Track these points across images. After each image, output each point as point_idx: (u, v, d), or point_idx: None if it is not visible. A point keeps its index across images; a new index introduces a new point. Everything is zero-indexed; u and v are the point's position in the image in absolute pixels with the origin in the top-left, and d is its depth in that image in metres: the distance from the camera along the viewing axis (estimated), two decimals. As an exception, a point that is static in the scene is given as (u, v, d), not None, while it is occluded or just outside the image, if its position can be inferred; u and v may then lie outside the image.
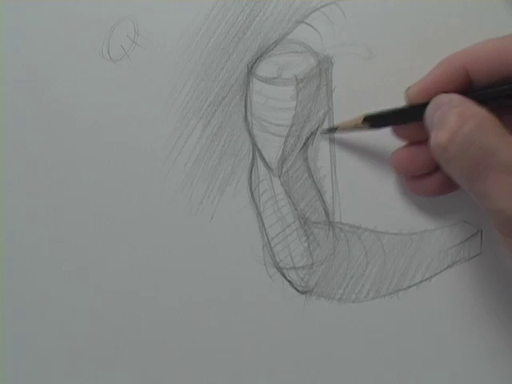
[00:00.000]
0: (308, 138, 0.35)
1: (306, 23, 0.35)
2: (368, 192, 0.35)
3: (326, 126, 0.35)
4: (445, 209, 0.35)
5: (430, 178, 0.33)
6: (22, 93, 0.37)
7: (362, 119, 0.33)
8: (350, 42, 0.35)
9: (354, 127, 0.33)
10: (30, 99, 0.36)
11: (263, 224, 0.35)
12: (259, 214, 0.35)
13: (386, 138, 0.34)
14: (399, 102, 0.34)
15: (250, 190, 0.35)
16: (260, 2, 0.35)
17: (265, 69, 0.35)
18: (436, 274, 0.35)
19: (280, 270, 0.35)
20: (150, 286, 0.36)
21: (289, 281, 0.35)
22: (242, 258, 0.35)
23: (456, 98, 0.29)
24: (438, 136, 0.28)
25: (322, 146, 0.35)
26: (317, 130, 0.35)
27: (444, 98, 0.30)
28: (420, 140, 0.32)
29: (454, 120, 0.28)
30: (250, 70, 0.35)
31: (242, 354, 0.35)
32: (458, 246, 0.35)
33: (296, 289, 0.35)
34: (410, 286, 0.35)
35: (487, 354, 0.34)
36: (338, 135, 0.35)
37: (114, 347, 0.36)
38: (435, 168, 0.32)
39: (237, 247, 0.35)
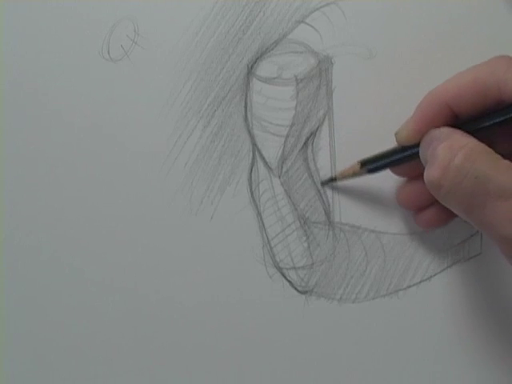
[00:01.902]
0: (308, 138, 0.35)
1: (306, 23, 0.35)
2: (368, 192, 0.35)
3: (325, 125, 0.35)
4: (445, 209, 0.35)
5: (434, 210, 0.33)
6: (22, 93, 0.37)
7: (359, 166, 0.33)
8: (350, 42, 0.35)
9: (353, 175, 0.34)
10: (29, 99, 0.36)
11: (263, 224, 0.35)
12: (259, 214, 0.35)
13: (386, 138, 0.34)
14: (399, 102, 0.34)
15: (250, 190, 0.35)
16: (260, 1, 0.35)
17: (265, 69, 0.35)
18: (436, 274, 0.35)
19: (280, 269, 0.35)
20: (150, 285, 0.36)
21: (289, 281, 0.35)
22: (242, 258, 0.35)
23: (445, 130, 0.30)
24: (431, 172, 0.29)
25: (322, 146, 0.35)
26: (317, 130, 0.35)
27: (434, 132, 0.30)
28: (419, 174, 0.32)
29: (444, 154, 0.28)
30: (250, 70, 0.35)
31: (242, 354, 0.35)
32: (457, 246, 0.35)
33: (296, 289, 0.35)
34: (409, 286, 0.35)
35: (487, 353, 0.34)
36: (338, 127, 0.35)
37: (113, 347, 0.36)
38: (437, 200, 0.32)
39: (237, 247, 0.35)
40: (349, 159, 0.35)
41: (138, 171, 0.36)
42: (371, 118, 0.35)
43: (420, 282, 0.35)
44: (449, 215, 0.32)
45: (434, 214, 0.33)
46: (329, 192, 0.35)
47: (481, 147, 0.28)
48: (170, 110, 0.36)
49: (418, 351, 0.35)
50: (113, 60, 0.36)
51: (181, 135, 0.36)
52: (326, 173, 0.35)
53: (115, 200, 0.36)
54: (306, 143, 0.35)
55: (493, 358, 0.34)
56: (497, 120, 0.30)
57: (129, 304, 0.36)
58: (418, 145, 0.31)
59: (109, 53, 0.36)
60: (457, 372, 0.34)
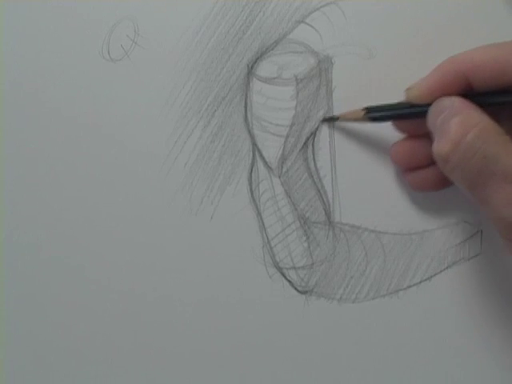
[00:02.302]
0: (308, 138, 0.35)
1: (306, 23, 0.35)
2: (368, 192, 0.35)
3: (325, 125, 0.35)
4: (445, 209, 0.35)
5: (428, 172, 0.33)
6: (22, 92, 0.37)
7: (363, 112, 0.33)
8: (350, 42, 0.35)
9: (355, 119, 0.33)
10: (30, 99, 0.36)
11: (263, 224, 0.35)
12: (259, 214, 0.35)
13: (386, 138, 0.34)
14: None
15: (250, 190, 0.35)
16: (260, 1, 0.35)
17: (265, 69, 0.35)
18: (436, 274, 0.35)
19: (280, 269, 0.35)
20: (150, 285, 0.36)
21: (289, 281, 0.35)
22: (242, 257, 0.35)
23: (458, 102, 0.30)
24: (440, 146, 0.29)
25: (322, 146, 0.35)
26: (317, 130, 0.35)
27: (446, 101, 0.30)
28: (419, 134, 0.32)
29: (456, 129, 0.28)
30: (250, 70, 0.35)
31: (242, 354, 0.35)
32: (457, 246, 0.35)
33: (296, 289, 0.35)
34: (409, 286, 0.35)
35: (487, 353, 0.34)
36: (338, 126, 0.35)
37: (113, 346, 0.36)
38: (433, 162, 0.32)
39: (237, 247, 0.35)
40: (349, 159, 0.35)
41: (138, 171, 0.36)
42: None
43: (420, 282, 0.35)
44: (444, 182, 0.32)
45: (429, 176, 0.33)
46: (329, 192, 0.35)
47: (493, 127, 0.28)
48: (169, 110, 0.36)
49: (417, 351, 0.35)
50: (113, 60, 0.36)
51: (181, 135, 0.36)
52: (326, 173, 0.35)
53: (115, 200, 0.36)
54: (306, 143, 0.35)
55: (493, 358, 0.34)
56: (510, 99, 0.30)
57: (129, 303, 0.36)
58: (426, 105, 0.31)
59: (109, 53, 0.36)
60: (457, 372, 0.34)
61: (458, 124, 0.28)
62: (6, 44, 0.37)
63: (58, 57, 0.36)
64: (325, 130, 0.35)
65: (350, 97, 0.35)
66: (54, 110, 0.36)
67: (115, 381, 0.36)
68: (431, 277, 0.35)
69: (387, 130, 0.34)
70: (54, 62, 0.36)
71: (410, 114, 0.32)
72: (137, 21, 0.36)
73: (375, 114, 0.33)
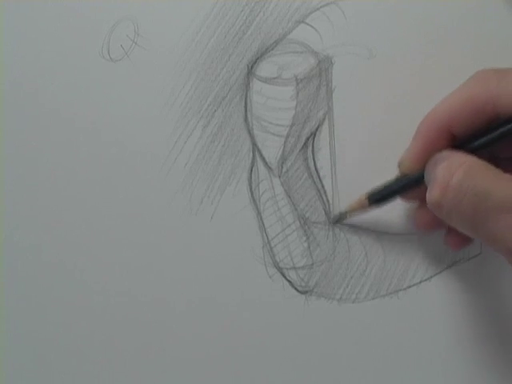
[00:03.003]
0: (308, 138, 0.35)
1: (306, 23, 0.35)
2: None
3: (325, 125, 0.35)
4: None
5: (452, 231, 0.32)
6: (22, 92, 0.37)
7: (366, 201, 0.33)
8: (350, 42, 0.35)
9: (362, 208, 0.33)
10: (29, 99, 0.36)
11: (263, 224, 0.35)
12: (259, 214, 0.35)
13: (386, 138, 0.34)
14: (399, 102, 0.34)
15: (250, 190, 0.35)
16: (260, 1, 0.35)
17: (265, 69, 0.35)
18: (436, 274, 0.35)
19: (280, 269, 0.35)
20: (150, 285, 0.36)
21: (289, 281, 0.35)
22: (242, 258, 0.35)
23: (446, 152, 0.30)
24: (431, 194, 0.29)
25: (322, 146, 0.35)
26: (317, 130, 0.35)
27: (436, 156, 0.30)
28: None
29: (442, 174, 0.28)
30: (250, 70, 0.35)
31: (242, 354, 0.35)
32: (458, 246, 0.35)
33: (296, 289, 0.35)
34: (409, 286, 0.35)
35: (487, 353, 0.34)
36: (338, 127, 0.35)
37: (113, 347, 0.36)
38: None
39: (237, 247, 0.35)
40: (349, 159, 0.35)
41: (138, 171, 0.36)
42: (371, 118, 0.35)
43: (420, 282, 0.35)
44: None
45: (455, 234, 0.32)
46: (329, 192, 0.35)
47: (479, 163, 0.28)
48: (169, 110, 0.36)
49: (417, 351, 0.35)
50: (113, 60, 0.36)
51: (181, 135, 0.36)
52: (325, 173, 0.35)
53: (115, 200, 0.36)
54: (306, 143, 0.35)
55: (492, 358, 0.34)
56: (496, 135, 0.30)
57: (128, 303, 0.36)
58: (422, 171, 0.31)
59: (109, 53, 0.36)
60: (456, 372, 0.34)
61: (443, 169, 0.28)
62: (6, 44, 0.37)
63: (57, 57, 0.36)
64: (325, 130, 0.35)
65: (349, 97, 0.35)
66: (53, 110, 0.36)
67: (115, 381, 0.36)
68: (431, 277, 0.35)
69: (387, 130, 0.34)
70: (54, 61, 0.36)
71: (411, 186, 0.32)
72: (137, 21, 0.36)
73: (379, 197, 0.33)
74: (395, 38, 0.35)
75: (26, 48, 0.37)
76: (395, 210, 0.35)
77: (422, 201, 0.33)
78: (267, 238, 0.35)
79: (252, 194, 0.35)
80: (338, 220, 0.35)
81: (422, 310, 0.34)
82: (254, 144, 0.35)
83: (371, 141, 0.35)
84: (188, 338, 0.35)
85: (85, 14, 0.36)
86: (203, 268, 0.35)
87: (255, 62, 0.35)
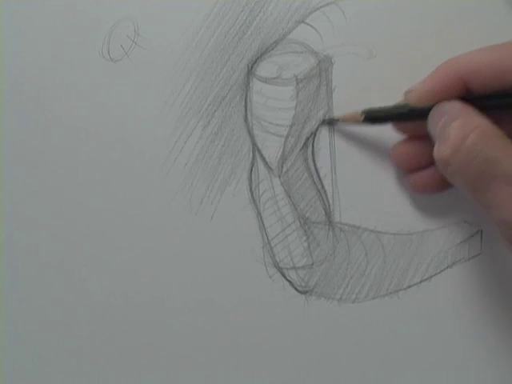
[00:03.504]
0: (308, 138, 0.35)
1: (306, 23, 0.35)
2: (368, 192, 0.35)
3: (326, 125, 0.35)
4: (445, 209, 0.35)
5: (429, 174, 0.33)
6: (22, 92, 0.37)
7: (362, 115, 0.33)
8: (349, 42, 0.35)
9: (355, 121, 0.33)
10: (30, 99, 0.36)
11: (263, 224, 0.35)
12: (259, 214, 0.35)
13: (386, 138, 0.34)
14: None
15: (250, 190, 0.35)
16: (260, 1, 0.35)
17: (265, 69, 0.35)
18: (436, 274, 0.35)
19: (280, 269, 0.35)
20: (150, 286, 0.36)
21: (289, 281, 0.35)
22: (242, 257, 0.35)
23: (457, 106, 0.30)
24: (441, 150, 0.29)
25: (322, 145, 0.35)
26: (317, 130, 0.35)
27: (446, 105, 0.30)
28: (420, 135, 0.32)
29: (456, 133, 0.28)
30: (250, 70, 0.35)
31: (242, 354, 0.35)
32: (457, 246, 0.35)
33: (296, 289, 0.35)
34: (410, 286, 0.35)
35: (487, 353, 0.34)
36: (338, 128, 0.35)
37: (113, 347, 0.36)
38: (434, 164, 0.32)
39: (237, 247, 0.35)
40: (349, 159, 0.35)
41: (138, 171, 0.36)
42: (371, 118, 0.35)
43: (420, 281, 0.35)
44: (445, 184, 0.32)
45: (430, 177, 0.33)
46: (329, 192, 0.35)
47: (493, 130, 0.28)
48: (169, 110, 0.36)
49: (417, 351, 0.35)
50: (113, 60, 0.36)
51: (181, 135, 0.36)
52: (326, 173, 0.35)
53: (115, 200, 0.36)
54: (306, 143, 0.35)
55: (493, 358, 0.34)
56: (510, 101, 0.30)
57: (128, 303, 0.36)
58: (426, 108, 0.31)
59: (109, 53, 0.36)
60: (457, 372, 0.34)
61: (457, 128, 0.28)
62: (6, 44, 0.37)
63: (57, 57, 0.36)
64: (325, 129, 0.35)
65: (350, 97, 0.35)
66: (53, 110, 0.36)
67: (115, 382, 0.36)
68: (431, 277, 0.35)
69: (387, 131, 0.34)
70: (54, 61, 0.36)
71: (409, 117, 0.32)
72: (137, 21, 0.36)
73: (374, 116, 0.33)
74: (395, 38, 0.35)
75: (26, 48, 0.37)
76: (395, 210, 0.35)
77: (411, 136, 0.33)
78: (267, 238, 0.35)
79: (252, 194, 0.35)
80: (327, 122, 0.35)
81: (421, 310, 0.34)
82: (254, 144, 0.35)
83: (371, 141, 0.35)
84: (188, 338, 0.35)
85: (85, 14, 0.36)
86: (203, 268, 0.35)
87: (255, 62, 0.35)
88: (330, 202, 0.35)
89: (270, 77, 0.35)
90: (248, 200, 0.35)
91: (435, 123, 0.30)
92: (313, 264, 0.35)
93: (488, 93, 0.30)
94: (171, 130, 0.36)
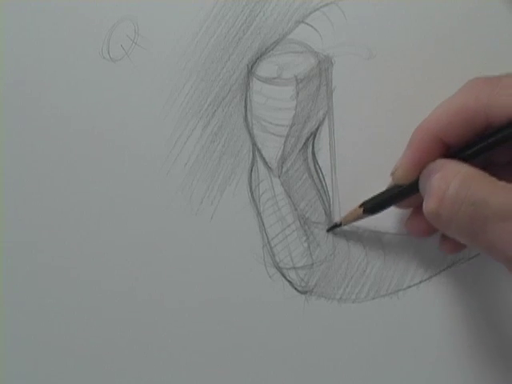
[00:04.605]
0: (308, 138, 0.35)
1: (306, 23, 0.35)
2: (368, 192, 0.35)
3: (325, 125, 0.35)
4: (445, 209, 0.35)
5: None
6: (22, 93, 0.37)
7: (361, 211, 0.33)
8: (349, 42, 0.35)
9: (357, 218, 0.33)
10: (29, 99, 0.36)
11: (263, 224, 0.35)
12: (259, 214, 0.35)
13: (386, 139, 0.34)
14: (399, 102, 0.34)
15: (250, 189, 0.35)
16: (260, 1, 0.35)
17: (265, 69, 0.35)
18: (436, 274, 0.35)
19: (280, 269, 0.35)
20: (150, 285, 0.36)
21: (289, 281, 0.35)
22: (242, 257, 0.35)
23: (440, 161, 0.30)
24: (428, 205, 0.28)
25: (322, 145, 0.35)
26: (317, 130, 0.35)
27: (430, 166, 0.30)
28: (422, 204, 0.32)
29: (438, 185, 0.28)
30: (250, 70, 0.35)
31: (242, 354, 0.35)
32: (458, 246, 0.35)
33: (296, 289, 0.35)
34: (409, 286, 0.35)
35: (487, 353, 0.34)
36: (338, 126, 0.35)
37: (112, 348, 0.36)
38: None
39: (237, 247, 0.35)
40: (349, 159, 0.35)
41: (138, 171, 0.36)
42: (371, 118, 0.35)
43: (420, 282, 0.35)
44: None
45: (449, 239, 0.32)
46: (329, 192, 0.35)
47: (474, 172, 0.28)
48: (169, 110, 0.36)
49: (417, 351, 0.35)
50: (113, 60, 0.36)
51: (181, 135, 0.36)
52: (326, 173, 0.35)
53: (115, 200, 0.36)
54: (306, 143, 0.35)
55: (492, 359, 0.34)
56: (488, 143, 0.29)
57: (128, 304, 0.36)
58: (416, 181, 0.31)
59: (109, 53, 0.36)
60: (456, 372, 0.34)
61: (438, 179, 0.28)
62: (6, 44, 0.37)
63: (58, 57, 0.36)
64: (325, 129, 0.35)
65: (350, 97, 0.35)
66: (53, 110, 0.36)
67: (115, 382, 0.36)
68: (431, 277, 0.35)
69: (387, 130, 0.34)
70: (54, 61, 0.36)
71: (404, 195, 0.32)
72: (137, 21, 0.36)
73: (372, 206, 0.33)
74: (395, 37, 0.35)
75: (26, 48, 0.37)
76: (395, 210, 0.35)
77: (416, 208, 0.33)
78: (267, 238, 0.35)
79: (252, 194, 0.35)
80: (332, 228, 0.35)
81: (422, 310, 0.34)
82: (254, 144, 0.35)
83: (371, 141, 0.35)
84: (188, 338, 0.35)
85: (85, 14, 0.36)
86: (203, 268, 0.35)
87: (255, 62, 0.35)
88: (330, 202, 0.35)
89: (270, 77, 0.35)
90: (248, 200, 0.35)
91: (424, 185, 0.30)
92: (313, 264, 0.35)
93: (467, 142, 0.30)
94: (171, 130, 0.36)
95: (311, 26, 0.35)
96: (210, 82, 0.35)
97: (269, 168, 0.35)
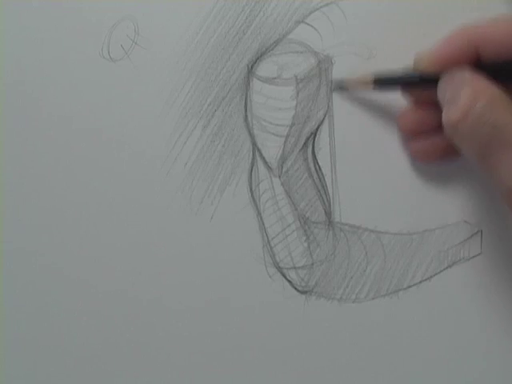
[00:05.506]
0: (308, 138, 0.35)
1: (306, 23, 0.35)
2: (368, 192, 0.35)
3: (325, 125, 0.35)
4: (445, 209, 0.35)
5: (432, 142, 0.33)
6: (21, 93, 0.37)
7: (371, 78, 0.33)
8: (350, 42, 0.35)
9: (363, 85, 0.33)
10: (29, 99, 0.36)
11: (263, 224, 0.35)
12: (259, 214, 0.35)
13: (386, 139, 0.34)
14: (399, 102, 0.34)
15: (250, 190, 0.35)
16: (260, 2, 0.35)
17: (265, 69, 0.35)
18: (436, 274, 0.35)
19: (280, 269, 0.35)
20: (150, 285, 0.36)
21: (289, 281, 0.35)
22: (242, 257, 0.35)
23: (468, 74, 0.30)
24: (450, 114, 0.29)
25: (322, 145, 0.35)
26: (317, 130, 0.35)
27: (456, 73, 0.30)
28: (426, 102, 0.32)
29: (465, 99, 0.28)
30: (250, 70, 0.35)
31: (242, 354, 0.35)
32: (457, 246, 0.35)
33: (296, 289, 0.35)
34: (410, 286, 0.35)
35: (487, 353, 0.34)
36: (338, 123, 0.35)
37: (112, 348, 0.36)
38: (439, 132, 0.32)
39: (237, 247, 0.35)
40: (349, 159, 0.35)
41: (138, 171, 0.36)
42: (371, 118, 0.35)
43: (420, 281, 0.35)
44: (447, 153, 0.32)
45: (434, 145, 0.33)
46: (329, 192, 0.35)
47: (502, 97, 0.28)
48: (169, 110, 0.36)
49: (418, 351, 0.35)
50: (113, 60, 0.36)
51: (181, 135, 0.36)
52: (326, 173, 0.35)
53: (115, 200, 0.36)
54: (306, 143, 0.35)
55: (493, 358, 0.34)
56: None
57: (128, 303, 0.36)
58: (435, 74, 0.31)
59: (109, 53, 0.36)
60: (457, 372, 0.34)
61: (467, 93, 0.28)
62: (5, 44, 0.37)
63: (57, 57, 0.36)
64: (325, 130, 0.35)
65: (349, 97, 0.35)
66: (53, 110, 0.36)
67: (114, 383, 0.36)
68: (431, 277, 0.35)
69: (388, 131, 0.34)
70: (54, 61, 0.36)
71: (419, 83, 0.32)
72: (137, 21, 0.36)
73: (384, 80, 0.33)
74: (395, 38, 0.35)
75: (26, 48, 0.37)
76: (395, 210, 0.35)
77: (418, 101, 0.33)
78: (267, 238, 0.35)
79: (252, 193, 0.35)
80: (337, 87, 0.34)
81: (422, 310, 0.34)
82: (254, 144, 0.35)
83: (371, 141, 0.35)
84: (188, 338, 0.35)
85: (85, 14, 0.36)
86: (203, 268, 0.35)
87: (255, 62, 0.35)
88: (330, 202, 0.35)
89: (270, 77, 0.35)
90: (248, 200, 0.35)
91: (445, 90, 0.30)
92: (313, 264, 0.35)
93: (499, 61, 0.30)
94: (171, 130, 0.36)
95: (311, 26, 0.35)
96: (210, 82, 0.35)
97: (269, 168, 0.35)
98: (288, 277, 0.35)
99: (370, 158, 0.35)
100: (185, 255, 0.35)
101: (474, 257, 0.35)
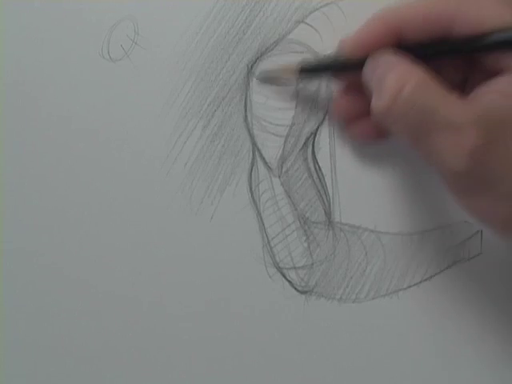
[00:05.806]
0: (308, 138, 0.35)
1: (306, 23, 0.35)
2: (368, 192, 0.35)
3: (325, 125, 0.35)
4: (445, 209, 0.35)
5: (368, 122, 0.33)
6: (21, 93, 0.37)
7: (297, 67, 0.33)
8: (349, 42, 0.35)
9: (290, 73, 0.33)
10: (29, 99, 0.36)
11: (263, 224, 0.35)
12: (259, 214, 0.35)
13: (386, 138, 0.34)
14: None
15: (250, 190, 0.35)
16: (260, 2, 0.35)
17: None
18: (436, 274, 0.35)
19: (280, 270, 0.35)
20: (149, 286, 0.36)
21: (289, 281, 0.35)
22: (242, 258, 0.35)
23: (393, 57, 0.29)
24: (378, 102, 0.28)
25: (322, 145, 0.35)
26: (317, 130, 0.35)
27: (380, 57, 0.30)
28: (358, 84, 0.32)
29: (392, 85, 0.28)
30: (250, 70, 0.35)
31: (242, 355, 0.35)
32: (457, 246, 0.35)
33: (296, 289, 0.35)
34: (410, 286, 0.35)
35: (487, 353, 0.34)
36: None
37: (112, 349, 0.36)
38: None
39: (237, 247, 0.35)
40: (349, 159, 0.35)
41: (138, 171, 0.36)
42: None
43: (420, 281, 0.35)
44: (384, 132, 0.32)
45: (369, 125, 0.33)
46: (329, 192, 0.35)
47: (429, 80, 0.28)
48: (169, 110, 0.36)
49: (417, 351, 0.35)
50: (113, 60, 0.36)
51: (181, 135, 0.36)
52: (326, 173, 0.35)
53: (115, 200, 0.36)
54: (306, 143, 0.35)
55: (493, 358, 0.34)
56: (445, 49, 0.30)
57: (128, 303, 0.36)
58: (361, 59, 0.31)
59: (109, 53, 0.36)
60: (457, 372, 0.34)
61: (393, 79, 0.28)
62: (5, 44, 0.37)
63: (57, 57, 0.36)
64: (325, 130, 0.35)
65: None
66: (53, 110, 0.36)
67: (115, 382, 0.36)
68: (431, 277, 0.35)
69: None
70: (54, 61, 0.36)
71: (344, 68, 0.32)
72: (137, 21, 0.36)
73: (310, 67, 0.33)
74: (395, 37, 0.35)
75: (25, 48, 0.37)
76: (395, 210, 0.35)
77: (349, 86, 0.33)
78: (267, 238, 0.35)
79: (252, 194, 0.35)
80: (262, 77, 0.34)
81: (421, 310, 0.34)
82: (254, 144, 0.35)
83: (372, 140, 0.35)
84: (188, 338, 0.35)
85: (85, 14, 0.36)
86: (203, 268, 0.35)
87: (255, 62, 0.35)
88: (330, 202, 0.35)
89: (269, 77, 0.35)
90: (248, 200, 0.35)
91: (370, 75, 0.30)
92: (313, 264, 0.35)
93: (421, 41, 0.30)
94: (171, 130, 0.36)
95: (311, 26, 0.35)
96: (210, 82, 0.35)
97: (269, 168, 0.35)
98: (288, 277, 0.35)
99: (369, 158, 0.35)
100: (185, 255, 0.35)
101: (474, 257, 0.35)
